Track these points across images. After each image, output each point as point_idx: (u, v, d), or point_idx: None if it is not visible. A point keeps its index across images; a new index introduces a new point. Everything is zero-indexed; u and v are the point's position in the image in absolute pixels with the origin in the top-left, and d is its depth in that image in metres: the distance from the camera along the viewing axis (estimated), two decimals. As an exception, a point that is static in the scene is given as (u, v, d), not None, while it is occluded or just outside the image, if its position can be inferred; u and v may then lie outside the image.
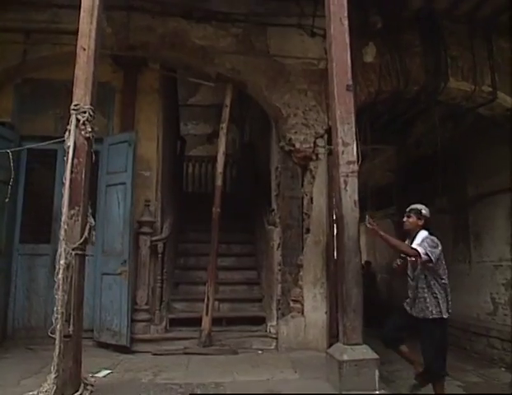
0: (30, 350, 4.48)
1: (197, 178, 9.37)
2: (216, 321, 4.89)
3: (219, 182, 4.98)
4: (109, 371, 3.87)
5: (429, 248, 3.38)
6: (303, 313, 4.84)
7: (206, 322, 4.65)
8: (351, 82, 3.71)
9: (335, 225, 3.75)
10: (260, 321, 5.16)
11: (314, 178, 5.13)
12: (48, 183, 5.17)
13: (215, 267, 4.86)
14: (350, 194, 3.58)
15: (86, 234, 3.30)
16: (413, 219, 3.65)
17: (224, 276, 5.98)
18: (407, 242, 3.63)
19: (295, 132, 5.13)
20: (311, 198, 5.07)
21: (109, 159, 5.00)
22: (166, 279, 4.98)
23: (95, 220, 4.92)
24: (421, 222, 3.63)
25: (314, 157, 5.15)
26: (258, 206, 6.35)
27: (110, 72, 5.36)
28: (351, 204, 3.56)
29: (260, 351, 4.71)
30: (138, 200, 4.98)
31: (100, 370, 3.86)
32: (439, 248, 3.46)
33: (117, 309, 4.57)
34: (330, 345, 4.70)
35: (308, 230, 5.00)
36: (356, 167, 3.65)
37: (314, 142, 5.15)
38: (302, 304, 4.86)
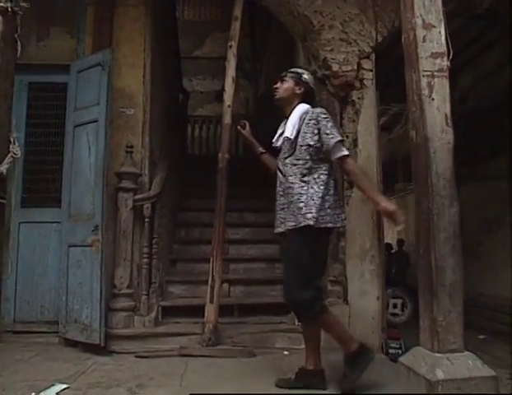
0: None
1: (204, 141, 7.99)
2: (224, 310, 3.57)
3: (227, 118, 3.59)
4: (64, 386, 2.56)
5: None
6: (346, 299, 3.47)
7: (210, 311, 3.31)
8: None
9: (412, 158, 2.31)
10: (285, 310, 3.82)
11: (358, 113, 3.70)
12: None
13: (222, 239, 3.48)
14: (438, 105, 2.18)
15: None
16: (289, 84, 2.66)
17: (235, 251, 4.66)
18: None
19: (331, 50, 3.70)
20: (355, 141, 3.65)
21: (78, 90, 3.65)
22: (158, 253, 3.65)
23: (61, 173, 3.73)
24: (299, 90, 2.65)
25: (357, 84, 3.72)
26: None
27: (80, -21, 4.00)
28: (440, 121, 2.16)
29: (286, 352, 3.37)
30: (118, 145, 3.65)
31: (52, 385, 2.57)
32: None
33: (87, 293, 3.27)
34: (384, 343, 3.38)
35: (351, 184, 3.60)
36: (446, 62, 2.23)
37: (358, 64, 3.71)
38: (344, 287, 3.49)
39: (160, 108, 4.39)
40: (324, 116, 2.47)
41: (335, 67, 3.65)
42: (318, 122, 2.45)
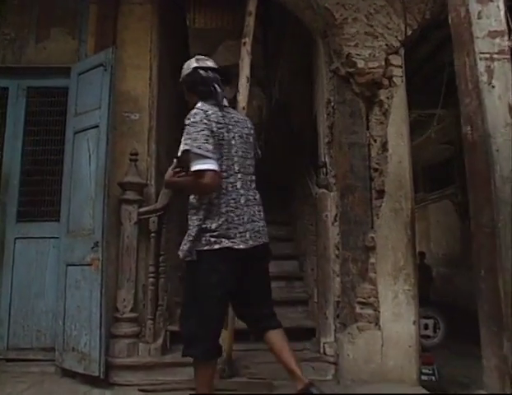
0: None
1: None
2: (240, 335, 3.17)
3: (241, 122, 3.23)
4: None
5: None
6: (378, 324, 3.05)
7: (224, 339, 2.92)
8: None
9: (466, 159, 1.91)
10: (308, 334, 3.42)
11: (386, 114, 3.32)
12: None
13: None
14: (500, 94, 1.80)
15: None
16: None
17: (252, 268, 4.26)
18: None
19: (356, 45, 3.34)
20: (384, 145, 3.26)
21: (79, 94, 3.35)
22: (166, 272, 3.29)
23: (61, 185, 3.40)
24: (189, 94, 2.27)
25: (385, 82, 3.34)
26: (296, 172, 4.62)
27: (83, -23, 3.73)
28: (503, 112, 1.78)
29: (311, 385, 2.95)
30: (122, 153, 3.32)
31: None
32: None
33: (86, 318, 2.91)
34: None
35: (381, 193, 3.20)
36: (507, 42, 1.85)
37: (386, 60, 3.34)
38: (376, 310, 3.07)
39: (168, 113, 4.07)
40: (187, 121, 2.00)
41: (360, 64, 3.29)
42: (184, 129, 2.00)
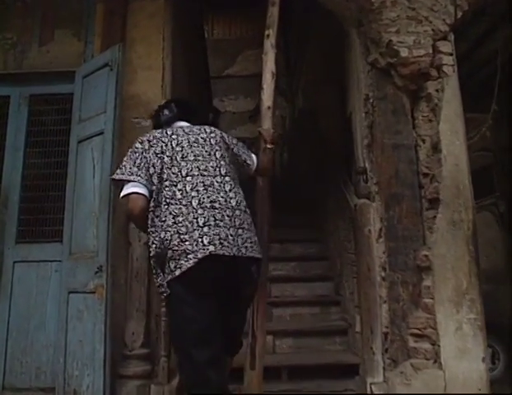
0: None
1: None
2: (269, 372, 2.66)
3: (267, 123, 2.77)
4: None
5: None
6: (438, 362, 2.50)
7: (252, 381, 2.41)
8: None
9: None
10: (349, 372, 2.89)
11: (436, 109, 2.82)
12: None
13: (265, 278, 2.62)
14: None
15: None
16: None
17: (279, 291, 3.78)
18: None
19: (397, 32, 2.88)
20: (435, 145, 2.76)
21: (83, 98, 2.99)
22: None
23: (64, 200, 3.01)
24: None
25: (434, 73, 2.86)
26: (327, 183, 4.16)
27: (90, -26, 3.42)
28: None
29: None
30: (131, 165, 2.93)
31: None
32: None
33: (89, 355, 2.48)
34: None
35: (434, 203, 2.69)
36: None
37: (434, 47, 2.86)
38: (435, 343, 2.52)
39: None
40: None
41: (403, 53, 2.82)
42: None
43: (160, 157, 1.81)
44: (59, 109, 3.26)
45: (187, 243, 1.64)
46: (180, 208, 1.71)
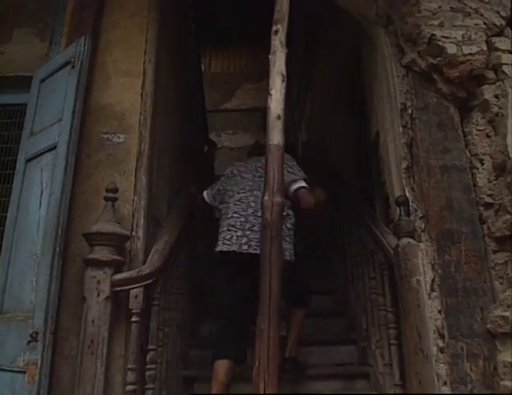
0: None
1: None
2: None
3: (277, 138, 2.07)
4: None
5: None
6: None
7: None
8: None
9: None
10: None
11: (495, 121, 2.16)
12: None
13: (274, 347, 1.82)
14: None
15: None
16: None
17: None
18: None
19: (441, 25, 2.27)
20: (501, 166, 2.07)
21: (39, 106, 2.32)
22: (157, 377, 2.03)
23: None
24: None
25: (490, 75, 2.23)
26: (343, 219, 3.45)
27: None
28: None
29: None
30: (97, 191, 2.21)
31: None
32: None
33: None
34: None
35: (504, 242, 1.97)
36: None
37: (488, 43, 2.26)
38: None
39: (169, 142, 3.00)
40: None
41: (451, 49, 2.20)
42: None
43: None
44: (11, 122, 2.58)
45: None
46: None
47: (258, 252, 1.83)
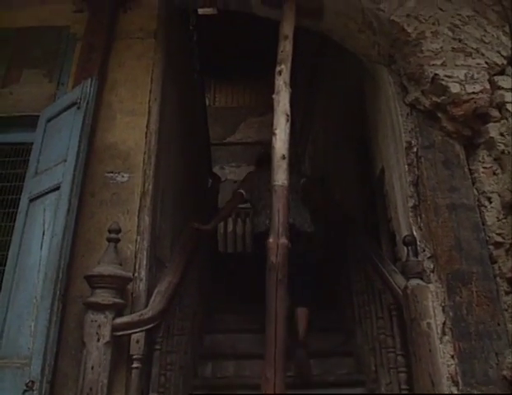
0: None
1: (241, 238, 6.53)
2: None
3: (282, 178, 2.07)
4: None
5: None
6: None
7: None
8: None
9: None
10: None
11: (502, 158, 2.14)
12: None
13: (280, 391, 1.74)
14: None
15: None
16: None
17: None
18: None
19: (444, 64, 2.30)
20: (508, 203, 2.04)
21: (44, 146, 2.33)
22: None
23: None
24: None
25: (494, 113, 2.23)
26: (348, 257, 3.38)
27: (71, 13, 2.94)
28: None
29: None
30: (99, 232, 2.19)
31: None
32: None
33: None
34: None
35: (516, 285, 1.91)
36: None
37: (490, 82, 2.27)
38: None
39: (173, 179, 3.01)
40: None
41: (455, 88, 2.21)
42: None
43: None
44: (18, 161, 2.59)
45: None
46: None
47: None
